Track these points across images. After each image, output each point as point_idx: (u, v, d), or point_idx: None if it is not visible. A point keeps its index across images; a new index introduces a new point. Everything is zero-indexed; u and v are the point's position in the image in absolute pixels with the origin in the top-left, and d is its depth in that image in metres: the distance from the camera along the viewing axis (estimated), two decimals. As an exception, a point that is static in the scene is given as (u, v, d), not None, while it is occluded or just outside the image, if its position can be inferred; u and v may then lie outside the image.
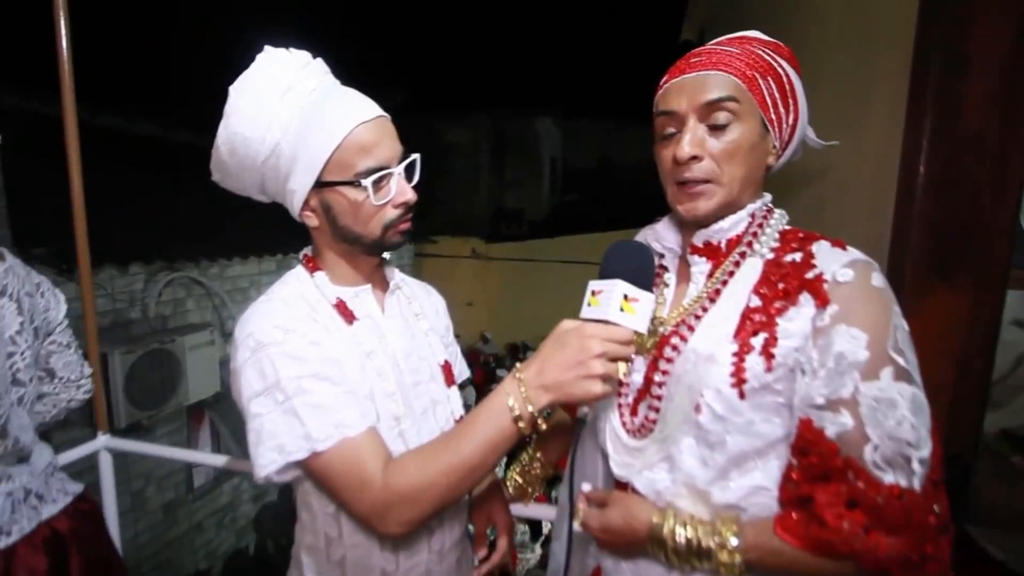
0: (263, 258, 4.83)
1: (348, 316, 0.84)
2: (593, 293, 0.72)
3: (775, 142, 0.75)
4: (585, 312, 0.72)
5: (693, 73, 0.72)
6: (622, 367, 0.69)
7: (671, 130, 0.74)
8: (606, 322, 0.69)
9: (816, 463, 0.62)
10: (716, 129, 0.71)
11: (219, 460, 1.57)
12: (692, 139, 0.71)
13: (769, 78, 0.72)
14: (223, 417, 4.34)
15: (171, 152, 5.40)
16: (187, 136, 5.45)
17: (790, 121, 0.75)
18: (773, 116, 0.73)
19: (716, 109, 0.70)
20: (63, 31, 1.48)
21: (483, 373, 7.46)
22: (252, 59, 0.81)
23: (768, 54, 0.74)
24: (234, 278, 4.60)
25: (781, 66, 0.74)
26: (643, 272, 0.73)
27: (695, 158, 0.71)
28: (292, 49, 0.83)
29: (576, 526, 0.77)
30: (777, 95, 0.73)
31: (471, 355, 7.86)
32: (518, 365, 0.73)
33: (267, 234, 4.69)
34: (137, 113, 5.05)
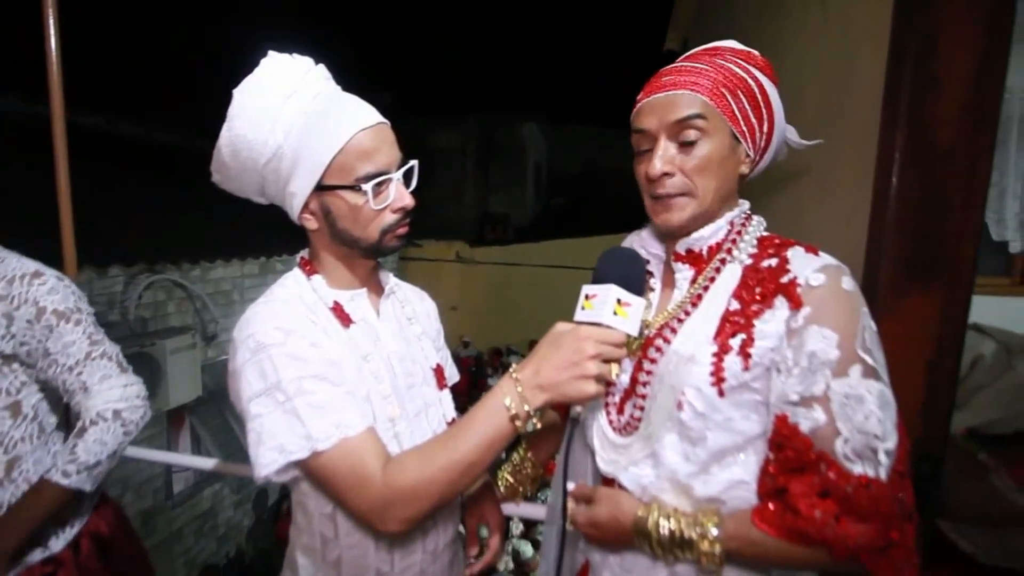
0: (246, 261, 4.78)
1: (344, 319, 0.86)
2: (587, 297, 0.75)
3: (748, 151, 0.78)
4: (579, 315, 0.75)
5: (663, 93, 0.75)
6: (614, 368, 0.73)
7: (645, 147, 0.78)
8: (600, 325, 0.72)
9: (792, 456, 0.66)
10: (685, 146, 0.74)
11: (208, 463, 1.56)
12: (663, 157, 0.75)
13: (739, 92, 0.75)
14: (204, 421, 4.28)
15: (153, 153, 5.32)
16: (169, 137, 5.38)
17: (765, 129, 0.78)
18: (744, 128, 0.76)
19: (685, 127, 0.74)
20: (52, 32, 1.47)
21: (468, 377, 7.45)
22: (242, 62, 0.82)
23: (740, 64, 0.77)
24: (216, 281, 4.54)
25: (753, 76, 0.77)
26: (635, 278, 0.76)
27: (667, 174, 0.75)
28: (295, 55, 0.85)
29: (567, 524, 0.79)
30: (748, 107, 0.76)
31: (458, 361, 7.83)
32: (514, 365, 0.75)
33: (250, 236, 4.66)
34: (118, 113, 4.98)
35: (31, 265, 1.07)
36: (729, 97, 0.75)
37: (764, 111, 0.78)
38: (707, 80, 0.74)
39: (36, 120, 1.56)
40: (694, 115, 0.73)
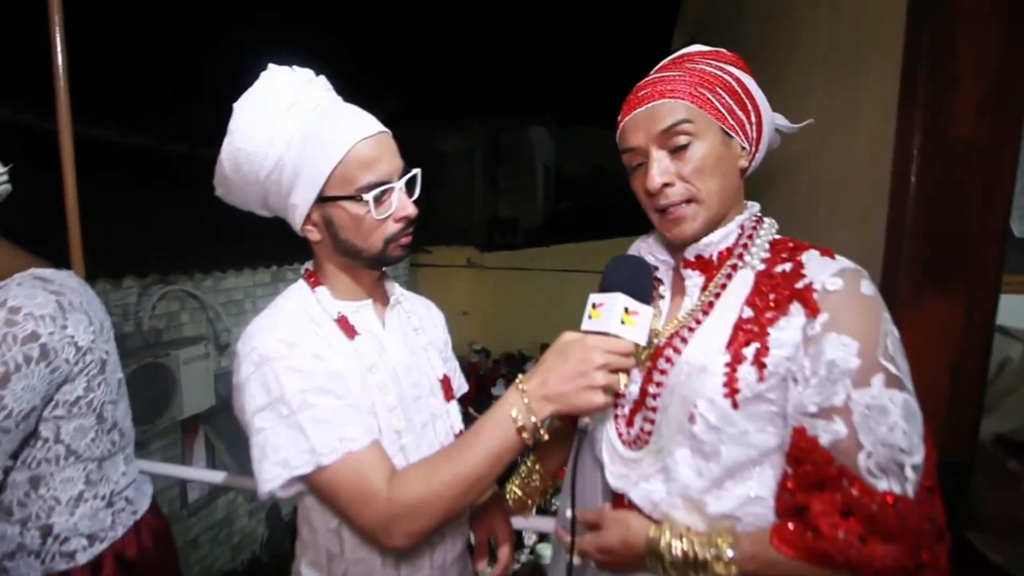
0: (257, 270, 4.82)
1: (350, 331, 0.85)
2: (594, 306, 0.73)
3: (742, 144, 0.76)
4: (586, 324, 0.73)
5: (643, 107, 0.74)
6: (622, 379, 0.70)
7: (638, 162, 0.76)
8: (607, 334, 0.70)
9: (811, 471, 0.62)
10: (678, 152, 0.72)
11: (217, 477, 1.55)
12: (659, 168, 0.73)
13: (717, 88, 0.74)
14: (218, 431, 4.31)
15: (164, 164, 5.39)
16: (180, 148, 5.45)
17: (753, 120, 0.76)
18: (732, 122, 0.74)
19: (673, 134, 0.72)
20: (58, 44, 1.48)
21: (476, 383, 7.41)
22: (248, 71, 0.82)
23: (710, 64, 0.75)
24: (228, 290, 4.58)
25: (727, 71, 0.75)
26: (642, 286, 0.74)
27: (666, 185, 0.73)
28: (295, 67, 0.85)
29: (575, 559, 0.77)
30: (731, 102, 0.74)
31: (469, 366, 7.81)
32: (520, 376, 0.73)
33: (262, 246, 4.69)
34: (130, 125, 5.05)
35: (11, 298, 0.99)
36: (709, 95, 0.73)
37: (748, 103, 0.76)
38: (683, 84, 0.73)
39: (50, 134, 1.58)
40: (680, 120, 0.72)
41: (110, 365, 1.20)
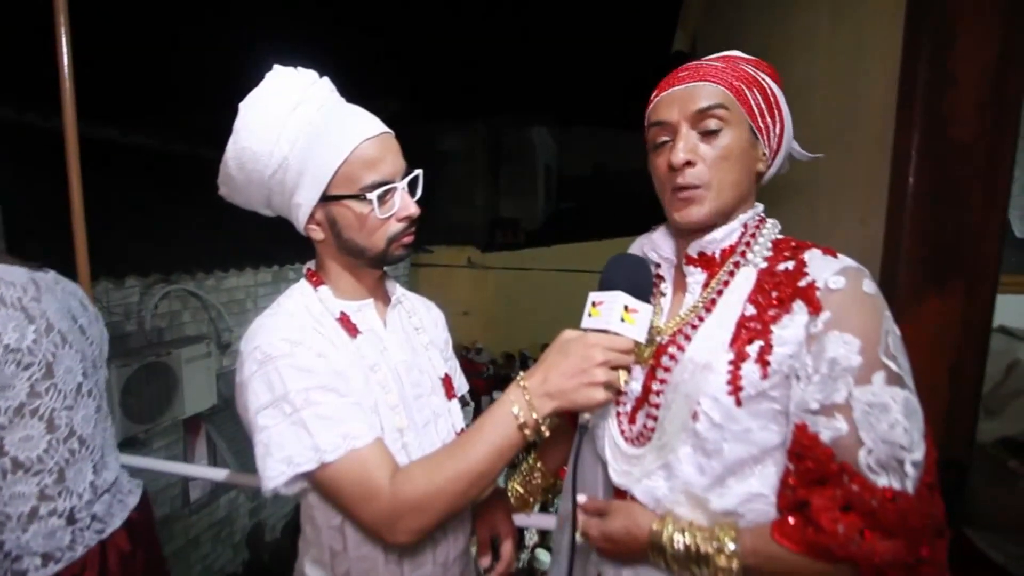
0: (259, 269, 4.83)
1: (351, 330, 0.86)
2: (594, 304, 0.74)
3: (764, 149, 0.77)
4: (586, 322, 0.74)
5: (683, 85, 0.75)
6: (623, 375, 0.71)
7: (664, 138, 0.76)
8: (607, 332, 0.71)
9: (812, 468, 0.63)
10: (708, 136, 0.73)
11: (219, 474, 1.56)
12: (686, 145, 0.73)
13: (754, 89, 0.75)
14: (220, 430, 4.32)
15: (167, 164, 5.40)
16: (183, 148, 5.46)
17: (777, 131, 0.78)
18: (761, 124, 0.76)
19: (707, 116, 0.73)
20: (64, 44, 1.49)
21: (483, 383, 7.42)
22: (251, 72, 0.83)
23: (751, 69, 0.77)
24: (230, 290, 4.59)
25: (764, 80, 0.77)
26: (643, 284, 0.75)
27: (689, 163, 0.73)
28: (300, 68, 0.86)
29: (577, 536, 0.77)
30: (763, 105, 0.76)
31: (469, 366, 7.82)
32: (522, 373, 0.74)
33: (263, 246, 4.70)
34: (133, 125, 5.06)
35: None
36: (747, 91, 0.75)
37: (776, 113, 0.77)
38: (726, 75, 0.75)
39: (53, 134, 1.59)
40: (716, 104, 0.73)
41: (62, 369, 1.08)
